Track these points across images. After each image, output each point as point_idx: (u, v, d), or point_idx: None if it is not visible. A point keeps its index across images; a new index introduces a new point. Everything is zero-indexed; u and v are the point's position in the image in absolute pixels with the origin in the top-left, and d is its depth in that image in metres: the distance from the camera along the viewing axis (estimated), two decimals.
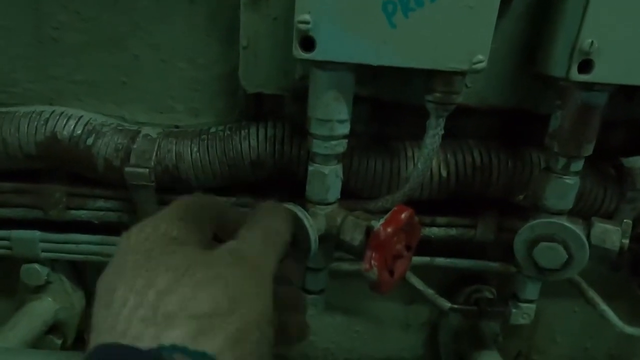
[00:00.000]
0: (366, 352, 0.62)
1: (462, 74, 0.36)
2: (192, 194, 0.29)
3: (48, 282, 0.55)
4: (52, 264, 0.54)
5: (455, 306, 0.49)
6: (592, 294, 0.50)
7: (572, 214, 0.43)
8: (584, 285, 0.50)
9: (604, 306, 0.50)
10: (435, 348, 0.61)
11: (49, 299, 0.56)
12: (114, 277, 0.21)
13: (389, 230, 0.35)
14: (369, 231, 0.37)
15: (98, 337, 0.20)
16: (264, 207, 0.31)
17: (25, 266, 0.53)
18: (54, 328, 0.57)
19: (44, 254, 0.52)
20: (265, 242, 0.26)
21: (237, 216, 0.30)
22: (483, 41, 0.34)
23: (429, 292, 0.50)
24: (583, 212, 0.47)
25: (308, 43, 0.34)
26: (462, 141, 0.47)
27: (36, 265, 0.53)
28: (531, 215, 0.43)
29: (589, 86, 0.37)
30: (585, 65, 0.35)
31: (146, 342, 0.19)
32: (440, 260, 0.52)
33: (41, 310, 0.55)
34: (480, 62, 0.34)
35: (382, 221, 0.36)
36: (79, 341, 0.59)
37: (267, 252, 0.26)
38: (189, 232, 0.25)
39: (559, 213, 0.42)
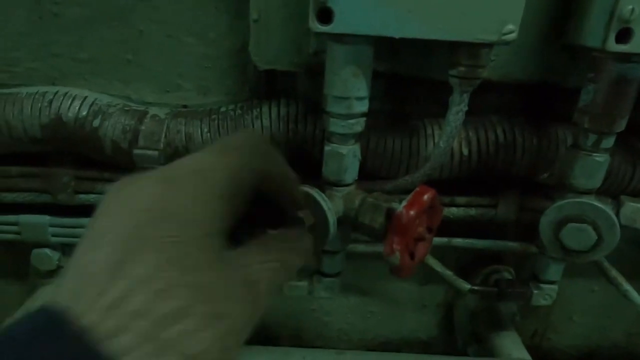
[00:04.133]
0: (381, 332, 0.62)
1: (490, 45, 0.33)
2: (243, 136, 0.26)
3: (60, 267, 0.54)
4: (63, 248, 0.54)
5: (476, 288, 0.48)
6: (614, 273, 0.49)
7: (599, 192, 0.41)
8: (606, 264, 0.49)
9: (627, 286, 0.48)
10: (451, 328, 0.60)
11: None
12: (130, 243, 0.18)
13: (412, 213, 0.34)
14: (389, 214, 0.36)
15: (60, 293, 0.17)
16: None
17: (35, 251, 0.52)
18: None
19: (54, 239, 0.51)
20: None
21: (281, 178, 0.27)
22: (514, 9, 0.32)
23: (448, 273, 0.49)
24: (611, 190, 0.45)
25: (326, 15, 0.32)
26: (485, 117, 0.45)
27: (47, 250, 0.52)
28: (557, 195, 0.41)
29: (626, 57, 0.34)
30: (624, 34, 0.33)
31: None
32: (458, 241, 0.51)
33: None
34: (511, 32, 0.32)
35: (404, 203, 0.34)
36: None
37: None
38: (222, 222, 0.21)
39: (587, 192, 0.40)
